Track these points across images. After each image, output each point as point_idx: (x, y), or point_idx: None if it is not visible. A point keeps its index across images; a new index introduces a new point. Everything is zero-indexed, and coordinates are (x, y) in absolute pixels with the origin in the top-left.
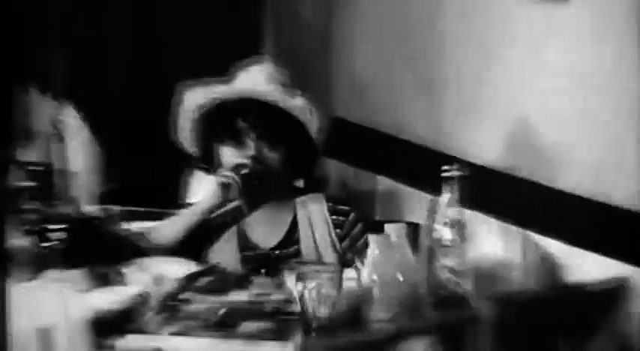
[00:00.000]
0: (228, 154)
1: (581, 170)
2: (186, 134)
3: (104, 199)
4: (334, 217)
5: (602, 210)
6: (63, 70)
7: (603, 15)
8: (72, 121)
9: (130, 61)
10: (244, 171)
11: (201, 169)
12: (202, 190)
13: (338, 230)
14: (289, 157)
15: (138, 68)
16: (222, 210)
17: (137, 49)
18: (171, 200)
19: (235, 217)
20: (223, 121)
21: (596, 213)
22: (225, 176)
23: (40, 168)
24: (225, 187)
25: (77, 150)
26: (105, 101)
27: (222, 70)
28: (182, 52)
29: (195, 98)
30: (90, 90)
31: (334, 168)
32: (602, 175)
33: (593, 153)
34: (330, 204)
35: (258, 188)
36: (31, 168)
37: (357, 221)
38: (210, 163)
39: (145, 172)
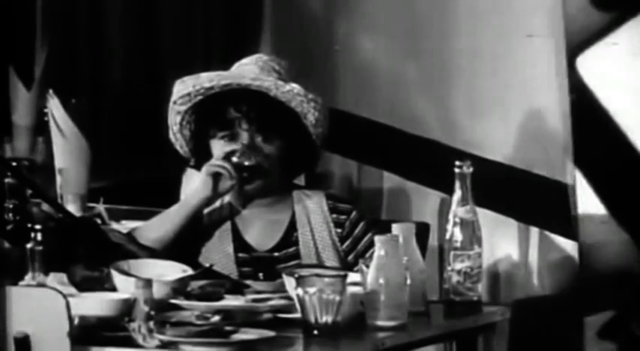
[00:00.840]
0: (220, 149)
1: None
2: (176, 129)
3: (95, 196)
4: (335, 215)
5: None
6: (52, 62)
7: None
8: (57, 114)
9: (128, 58)
10: (236, 157)
11: (193, 167)
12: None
13: (339, 230)
14: (286, 151)
15: (136, 65)
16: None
17: (135, 47)
18: (169, 199)
19: (227, 213)
20: (215, 112)
21: None
22: (215, 165)
23: (23, 164)
24: (215, 176)
25: (63, 145)
26: (102, 98)
27: (224, 67)
28: (182, 48)
29: (184, 88)
30: (88, 86)
31: (338, 164)
32: None
33: None
34: (331, 202)
35: (252, 176)
36: (13, 164)
37: (359, 220)
38: (202, 163)
39: (144, 171)
